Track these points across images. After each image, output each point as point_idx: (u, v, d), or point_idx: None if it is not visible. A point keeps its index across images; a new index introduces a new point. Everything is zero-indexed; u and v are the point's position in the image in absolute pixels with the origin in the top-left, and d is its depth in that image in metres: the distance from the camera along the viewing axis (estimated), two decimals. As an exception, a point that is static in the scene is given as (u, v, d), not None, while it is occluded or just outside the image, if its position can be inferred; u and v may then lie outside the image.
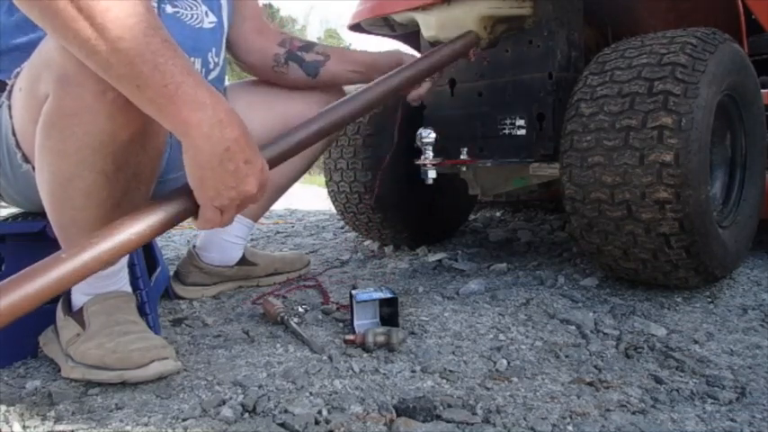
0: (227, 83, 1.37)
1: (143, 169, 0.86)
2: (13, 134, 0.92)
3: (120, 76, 0.67)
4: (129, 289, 1.00)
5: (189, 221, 0.82)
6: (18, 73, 0.93)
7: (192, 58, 1.16)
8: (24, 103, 0.87)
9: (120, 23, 0.64)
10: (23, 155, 0.93)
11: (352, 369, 0.94)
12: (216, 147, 0.72)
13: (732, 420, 0.79)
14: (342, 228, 2.52)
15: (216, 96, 0.71)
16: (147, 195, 0.96)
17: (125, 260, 0.99)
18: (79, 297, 0.96)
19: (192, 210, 0.79)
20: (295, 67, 1.34)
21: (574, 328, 1.13)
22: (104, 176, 0.81)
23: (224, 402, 0.83)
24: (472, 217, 2.36)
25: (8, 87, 0.94)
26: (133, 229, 0.74)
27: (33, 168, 0.91)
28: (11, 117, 0.92)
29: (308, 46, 1.36)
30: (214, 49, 1.22)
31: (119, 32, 0.64)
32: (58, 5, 0.62)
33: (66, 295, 0.98)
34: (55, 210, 0.87)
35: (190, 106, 0.69)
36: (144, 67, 0.66)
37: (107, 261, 0.73)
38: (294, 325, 1.12)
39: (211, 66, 1.22)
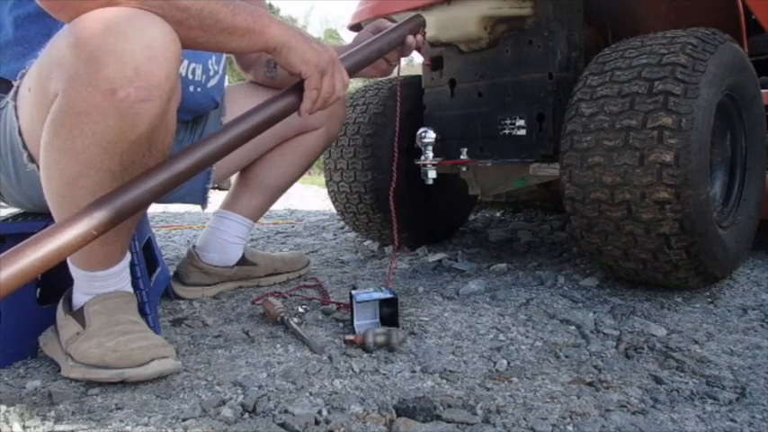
0: (226, 83, 1.37)
1: None
2: (20, 134, 0.92)
3: (212, 33, 0.85)
4: (130, 289, 1.00)
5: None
6: (23, 74, 0.93)
7: (193, 65, 1.17)
8: (33, 103, 0.87)
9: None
10: (29, 155, 0.93)
11: (352, 369, 0.94)
12: (297, 37, 0.93)
13: (732, 420, 0.79)
14: (342, 228, 2.52)
15: (268, 15, 0.92)
16: None
17: (127, 260, 0.99)
18: (80, 296, 0.96)
19: (296, 102, 0.97)
20: (282, 70, 1.36)
21: (574, 328, 1.13)
22: (111, 176, 0.82)
23: (224, 402, 0.83)
24: (472, 217, 2.36)
25: (14, 88, 0.94)
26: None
27: (39, 168, 0.91)
28: (17, 117, 0.92)
29: None
30: (214, 57, 1.23)
31: (198, 6, 0.82)
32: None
33: (66, 294, 0.98)
34: (60, 208, 0.87)
35: (269, 25, 0.90)
36: (227, 20, 0.85)
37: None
38: (294, 325, 1.12)
39: (211, 73, 1.22)
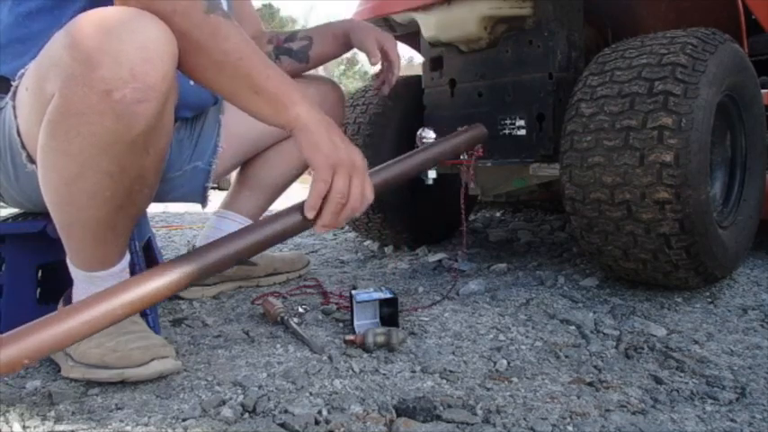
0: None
1: (147, 171, 0.86)
2: (18, 134, 0.92)
3: (239, 85, 0.83)
4: (129, 289, 1.00)
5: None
6: (22, 74, 0.93)
7: None
8: (31, 102, 0.87)
9: (237, 47, 0.81)
10: (28, 155, 0.93)
11: (352, 369, 0.94)
12: (320, 124, 0.85)
13: (732, 420, 0.79)
14: (342, 228, 2.52)
15: (301, 94, 0.86)
16: (150, 197, 0.96)
17: (126, 260, 0.99)
18: (80, 296, 0.96)
19: (303, 220, 0.87)
20: (286, 59, 1.39)
21: (574, 328, 1.13)
22: (109, 177, 0.82)
23: (224, 402, 0.83)
24: (472, 217, 2.36)
25: (13, 88, 0.94)
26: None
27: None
28: (15, 117, 0.92)
29: (292, 36, 1.40)
30: None
31: (238, 54, 0.81)
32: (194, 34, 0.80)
33: (66, 294, 0.98)
34: (58, 209, 0.87)
35: (299, 102, 0.84)
36: (259, 79, 0.82)
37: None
38: (294, 325, 1.12)
39: None
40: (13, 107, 0.93)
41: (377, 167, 1.00)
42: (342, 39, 1.37)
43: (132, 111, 0.77)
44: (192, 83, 1.17)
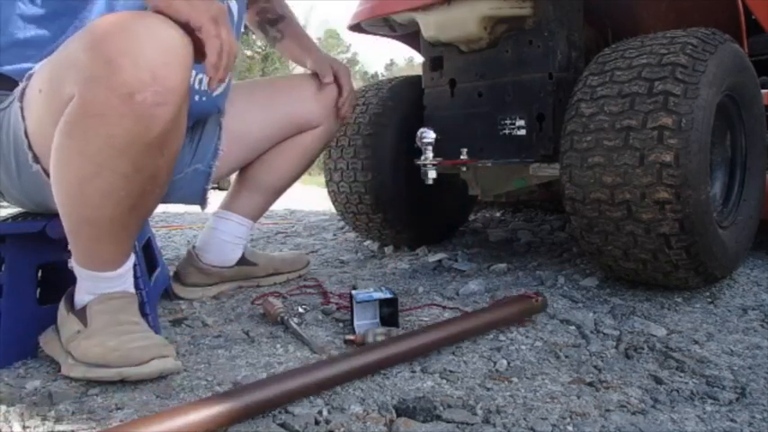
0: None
1: (160, 171, 0.87)
2: (26, 135, 0.93)
3: None
4: (132, 290, 1.00)
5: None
6: (30, 75, 0.93)
7: (201, 75, 1.17)
8: (44, 103, 0.87)
9: None
10: (34, 155, 0.93)
11: (353, 369, 0.94)
12: None
13: (732, 420, 0.79)
14: (342, 228, 2.52)
15: None
16: (160, 197, 0.97)
17: (131, 261, 0.99)
18: (83, 296, 0.96)
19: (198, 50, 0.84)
20: (260, 35, 1.51)
21: (574, 328, 1.13)
22: (124, 177, 0.83)
23: (224, 402, 0.83)
24: (472, 217, 2.36)
25: (19, 89, 0.94)
26: None
27: (43, 169, 0.92)
28: (23, 119, 0.92)
29: (276, 21, 1.47)
30: None
31: None
32: None
33: (68, 293, 0.98)
34: (69, 209, 0.87)
35: None
36: None
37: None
38: (294, 325, 1.12)
39: None
40: (21, 108, 0.93)
41: (432, 325, 1.02)
42: (303, 58, 1.46)
43: (152, 113, 0.78)
44: (196, 98, 1.18)
